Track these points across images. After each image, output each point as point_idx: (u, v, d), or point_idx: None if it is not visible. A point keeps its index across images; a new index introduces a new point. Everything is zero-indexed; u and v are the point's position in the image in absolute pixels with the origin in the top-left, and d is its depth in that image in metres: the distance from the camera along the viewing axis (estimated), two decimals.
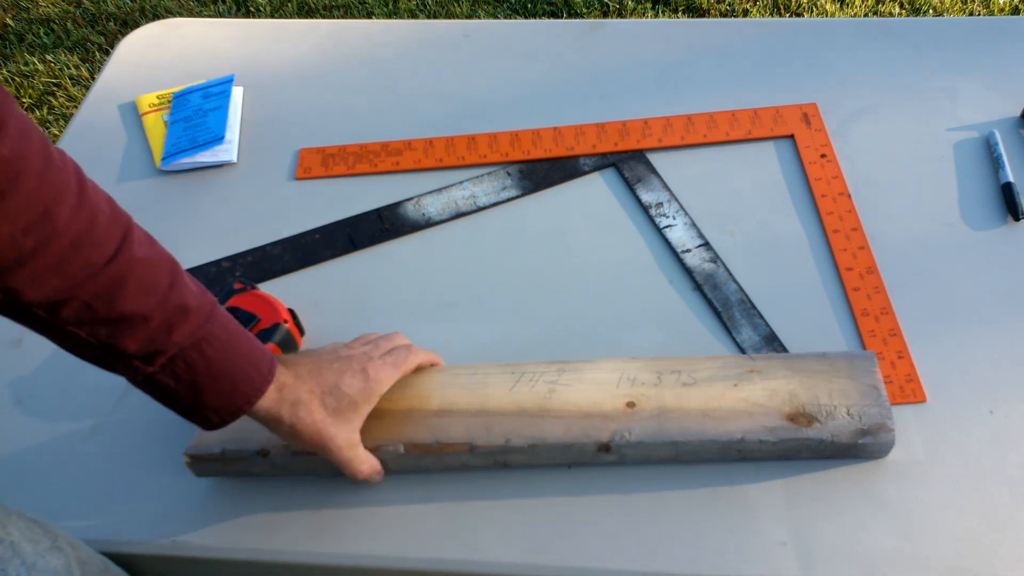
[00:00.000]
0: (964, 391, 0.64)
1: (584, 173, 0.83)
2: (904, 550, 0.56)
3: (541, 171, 0.83)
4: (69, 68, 1.98)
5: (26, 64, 2.00)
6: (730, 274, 0.73)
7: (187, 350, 0.51)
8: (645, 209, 0.79)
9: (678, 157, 0.83)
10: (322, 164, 0.86)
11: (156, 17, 2.04)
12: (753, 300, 0.71)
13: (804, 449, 0.59)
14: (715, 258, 0.74)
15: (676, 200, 0.78)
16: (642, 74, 0.93)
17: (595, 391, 0.62)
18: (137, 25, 1.91)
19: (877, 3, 1.94)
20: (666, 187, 0.80)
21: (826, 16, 1.92)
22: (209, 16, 2.06)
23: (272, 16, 2.09)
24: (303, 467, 0.62)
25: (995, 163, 0.79)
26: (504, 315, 0.72)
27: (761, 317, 0.70)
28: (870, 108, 0.86)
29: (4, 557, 0.47)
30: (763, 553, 0.57)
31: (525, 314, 0.72)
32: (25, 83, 1.96)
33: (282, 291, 0.75)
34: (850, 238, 0.74)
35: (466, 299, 0.74)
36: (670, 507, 0.60)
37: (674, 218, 0.77)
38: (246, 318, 0.68)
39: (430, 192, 0.82)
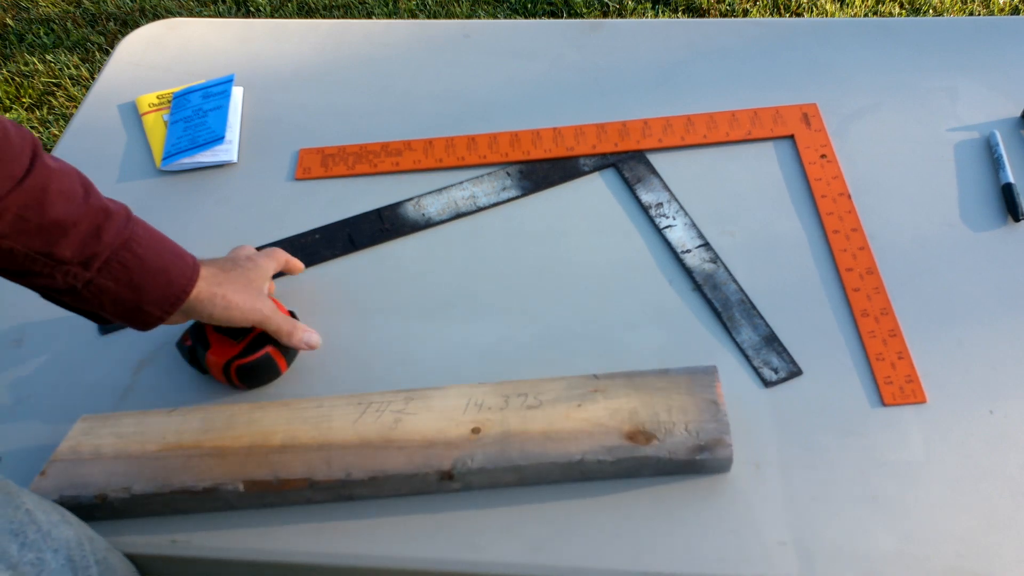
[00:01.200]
0: (964, 391, 0.64)
1: (584, 173, 0.83)
2: (904, 550, 0.56)
3: (541, 171, 0.83)
4: (69, 68, 1.98)
5: (26, 64, 2.00)
6: (730, 274, 0.73)
7: (119, 251, 0.56)
8: (645, 209, 0.79)
9: (678, 157, 0.83)
10: (321, 164, 0.86)
11: (156, 17, 2.04)
12: (753, 300, 0.71)
13: (645, 466, 0.59)
14: (715, 258, 0.74)
15: (676, 200, 0.78)
16: (642, 74, 0.92)
17: (440, 419, 0.62)
18: (137, 25, 1.92)
19: (877, 3, 1.94)
20: (666, 187, 0.80)
21: (826, 16, 1.92)
22: (209, 16, 2.06)
23: (272, 16, 2.09)
24: (145, 508, 0.60)
25: (995, 164, 0.79)
26: (504, 315, 0.72)
27: (761, 317, 0.70)
28: (870, 108, 0.86)
29: (23, 522, 0.49)
30: (763, 553, 0.57)
31: (525, 314, 0.72)
32: (25, 83, 1.96)
33: (282, 291, 0.75)
34: (850, 238, 0.74)
35: (466, 299, 0.74)
36: (670, 506, 0.60)
37: (674, 218, 0.77)
38: None
39: (430, 192, 0.82)
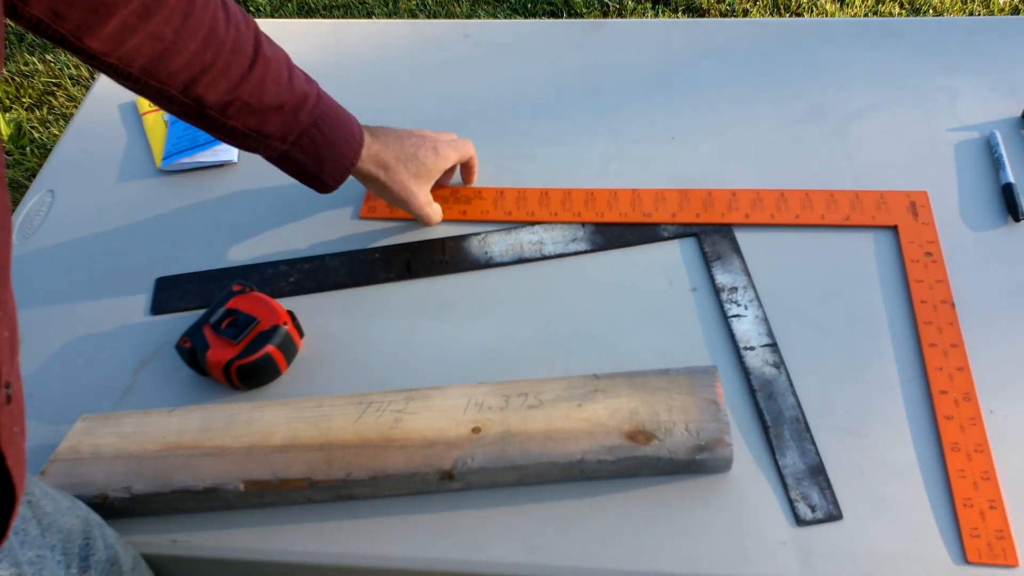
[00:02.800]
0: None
1: (663, 239, 0.76)
2: (904, 550, 0.56)
3: (617, 228, 0.77)
4: (69, 68, 1.97)
5: (26, 64, 2.00)
6: (791, 385, 0.65)
7: (309, 128, 0.65)
8: (717, 292, 0.71)
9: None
10: (388, 206, 0.80)
11: None
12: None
13: (645, 466, 0.59)
14: (779, 363, 0.66)
15: (753, 288, 0.71)
16: (642, 74, 0.92)
17: (441, 418, 0.62)
18: None
19: (877, 3, 1.94)
20: (745, 270, 0.72)
21: (826, 16, 1.92)
22: None
23: (272, 16, 2.08)
24: (145, 507, 0.61)
25: (995, 164, 0.79)
26: (504, 315, 0.72)
27: (813, 443, 0.61)
28: (870, 108, 0.86)
29: (25, 518, 0.48)
30: (763, 553, 0.57)
31: (525, 314, 0.72)
32: (25, 83, 1.96)
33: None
34: (948, 355, 0.65)
35: (466, 299, 0.73)
36: (670, 506, 0.60)
37: (746, 308, 0.70)
38: (245, 320, 0.68)
39: (498, 230, 0.79)
